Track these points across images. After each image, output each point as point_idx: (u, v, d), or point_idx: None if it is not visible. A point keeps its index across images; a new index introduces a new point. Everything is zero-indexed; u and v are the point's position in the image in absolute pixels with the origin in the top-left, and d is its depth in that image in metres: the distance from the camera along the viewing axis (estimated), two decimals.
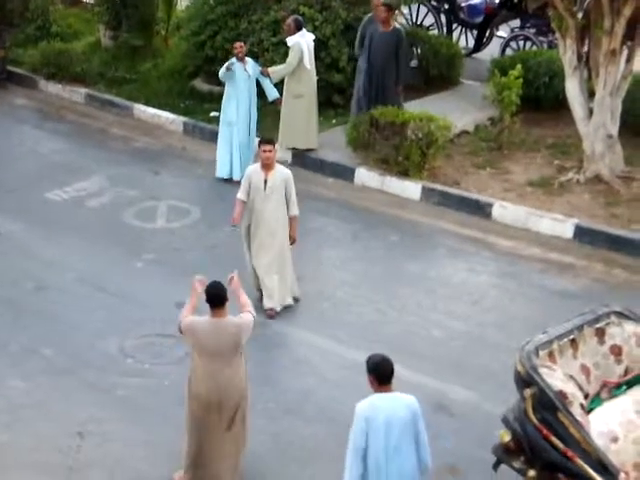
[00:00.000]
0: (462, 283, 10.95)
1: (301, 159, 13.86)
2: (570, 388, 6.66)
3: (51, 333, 9.79)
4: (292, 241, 10.18)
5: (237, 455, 7.70)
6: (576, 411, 6.50)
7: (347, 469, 6.66)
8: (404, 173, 13.14)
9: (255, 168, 10.08)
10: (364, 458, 6.62)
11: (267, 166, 9.92)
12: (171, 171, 13.79)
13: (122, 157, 14.21)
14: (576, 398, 6.61)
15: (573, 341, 7.05)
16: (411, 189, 13.04)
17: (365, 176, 13.39)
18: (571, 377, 6.88)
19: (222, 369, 7.46)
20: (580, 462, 6.15)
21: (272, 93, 13.51)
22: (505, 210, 12.41)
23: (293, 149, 13.84)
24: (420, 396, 8.83)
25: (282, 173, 10.02)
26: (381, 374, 6.71)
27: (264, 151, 9.87)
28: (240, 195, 10.07)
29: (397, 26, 14.18)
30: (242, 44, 13.30)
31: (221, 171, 13.35)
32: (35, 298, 10.45)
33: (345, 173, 13.54)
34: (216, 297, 7.47)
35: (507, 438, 6.78)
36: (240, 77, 13.14)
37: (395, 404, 6.70)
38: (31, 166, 13.78)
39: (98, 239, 11.69)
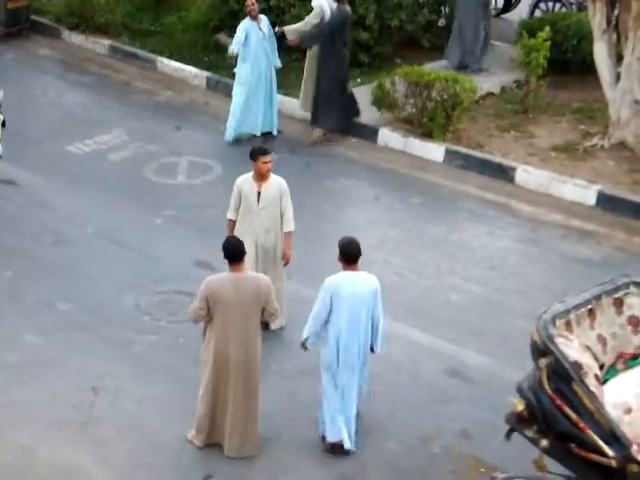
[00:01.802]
0: (482, 248, 10.85)
1: None
2: (586, 359, 6.59)
3: (68, 288, 9.80)
4: (286, 261, 9.05)
5: (253, 415, 7.69)
6: (591, 382, 6.43)
7: (308, 332, 7.66)
8: (428, 135, 13.01)
9: (246, 178, 8.94)
10: (324, 326, 7.61)
11: (262, 177, 8.84)
12: (193, 126, 13.71)
13: (144, 111, 14.14)
14: (591, 369, 6.55)
15: (591, 311, 6.97)
16: (434, 151, 12.91)
17: (388, 137, 13.27)
18: (587, 347, 6.81)
19: (244, 326, 7.45)
20: (591, 434, 6.10)
21: (276, 62, 13.23)
22: (528, 174, 12.28)
23: None
24: (436, 360, 8.93)
25: (277, 183, 8.90)
26: (348, 254, 7.63)
27: (264, 162, 8.78)
28: (230, 215, 8.98)
29: None
30: (254, 1, 12.97)
31: (228, 135, 13.17)
32: (53, 252, 10.45)
33: (368, 133, 13.41)
34: (234, 252, 7.46)
35: (520, 407, 6.71)
36: (254, 37, 12.91)
37: (358, 282, 7.59)
38: (53, 118, 13.75)
39: (118, 194, 11.66)
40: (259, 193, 8.82)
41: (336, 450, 7.76)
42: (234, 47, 12.97)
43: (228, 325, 7.47)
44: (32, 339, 9.04)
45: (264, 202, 8.80)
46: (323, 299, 7.57)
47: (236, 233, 8.61)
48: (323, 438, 7.86)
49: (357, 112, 13.38)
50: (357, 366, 7.70)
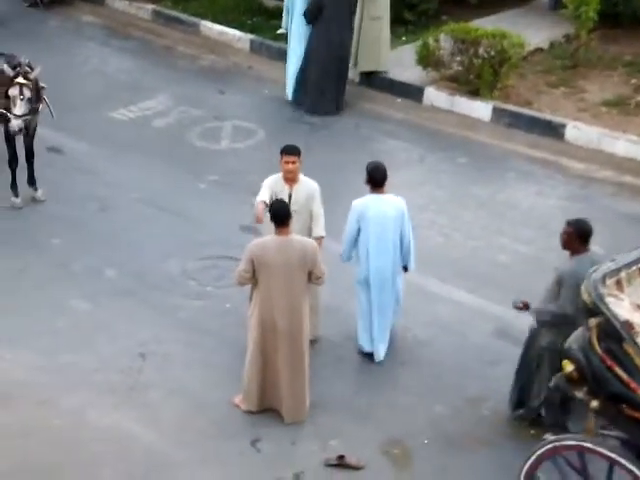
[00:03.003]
0: (531, 207, 10.68)
1: (369, 79, 13.57)
2: (637, 318, 6.43)
3: (114, 254, 9.82)
4: None
5: (300, 382, 7.65)
6: None
7: (343, 250, 8.16)
8: (474, 93, 12.80)
9: (276, 179, 8.24)
10: (355, 243, 8.11)
11: (290, 180, 8.18)
12: (237, 90, 13.63)
13: (188, 76, 14.08)
14: None
15: None
16: (481, 109, 12.70)
17: (434, 96, 13.07)
18: (638, 307, 6.65)
19: (289, 290, 7.40)
20: None
21: None
22: (578, 131, 12.04)
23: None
24: (483, 322, 8.82)
25: (308, 187, 8.22)
26: (375, 178, 8.04)
27: (286, 162, 8.11)
28: (260, 197, 8.14)
29: None
30: None
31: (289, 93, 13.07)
32: (99, 218, 10.47)
33: (414, 93, 13.23)
34: (280, 215, 7.41)
35: (570, 368, 6.59)
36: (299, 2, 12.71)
37: (384, 204, 8.04)
38: (96, 84, 13.74)
39: (162, 159, 11.64)
40: (290, 195, 8.13)
41: (368, 357, 8.34)
42: (283, 27, 12.98)
43: (273, 289, 7.41)
44: (80, 305, 9.09)
45: (296, 205, 8.03)
46: (350, 221, 8.05)
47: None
48: (359, 349, 8.38)
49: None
50: (389, 284, 8.16)
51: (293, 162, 8.11)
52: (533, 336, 7.55)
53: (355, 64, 13.39)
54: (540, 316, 7.40)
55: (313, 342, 8.14)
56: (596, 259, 7.09)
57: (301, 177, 8.22)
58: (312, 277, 7.54)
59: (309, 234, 8.11)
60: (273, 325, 7.47)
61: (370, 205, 8.03)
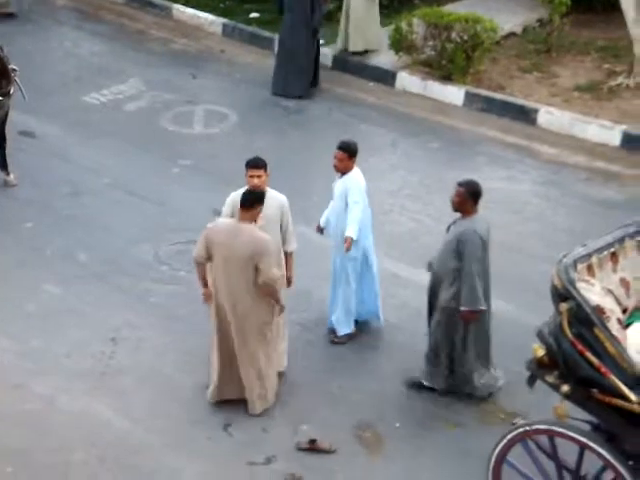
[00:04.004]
0: (503, 192, 10.70)
1: (341, 62, 13.56)
2: (608, 303, 6.47)
3: (86, 238, 9.77)
4: (289, 283, 7.97)
5: (248, 374, 7.49)
6: (613, 326, 6.32)
7: (355, 231, 7.95)
8: (447, 77, 12.82)
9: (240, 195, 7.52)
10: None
11: None
12: (209, 74, 13.58)
13: (160, 60, 14.02)
14: (614, 313, 6.43)
15: (613, 254, 6.83)
16: (454, 94, 12.71)
17: (407, 80, 13.07)
18: (609, 291, 6.68)
19: (234, 280, 7.18)
20: (613, 378, 6.00)
21: None
22: (551, 116, 12.07)
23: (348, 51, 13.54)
24: None
25: (277, 200, 7.69)
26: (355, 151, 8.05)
27: (251, 177, 7.53)
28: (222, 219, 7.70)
29: None
30: None
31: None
32: (71, 203, 10.41)
33: (386, 77, 13.22)
34: (246, 197, 7.18)
35: (541, 352, 6.62)
36: None
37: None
38: (69, 68, 13.65)
39: (135, 144, 11.59)
40: None
41: (350, 339, 8.39)
42: None
43: (218, 275, 7.27)
44: (52, 289, 9.04)
45: (263, 220, 7.42)
46: (362, 198, 8.07)
47: None
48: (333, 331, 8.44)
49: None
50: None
51: (259, 176, 7.53)
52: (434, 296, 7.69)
53: (345, 45, 13.38)
54: (441, 270, 7.54)
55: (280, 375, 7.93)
56: (486, 219, 7.51)
57: (269, 191, 7.64)
58: (260, 275, 7.13)
59: (279, 248, 7.71)
60: (224, 311, 7.33)
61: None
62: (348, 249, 7.96)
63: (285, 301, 7.63)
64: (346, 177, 8.08)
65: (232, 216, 7.58)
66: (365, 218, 8.17)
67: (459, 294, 7.48)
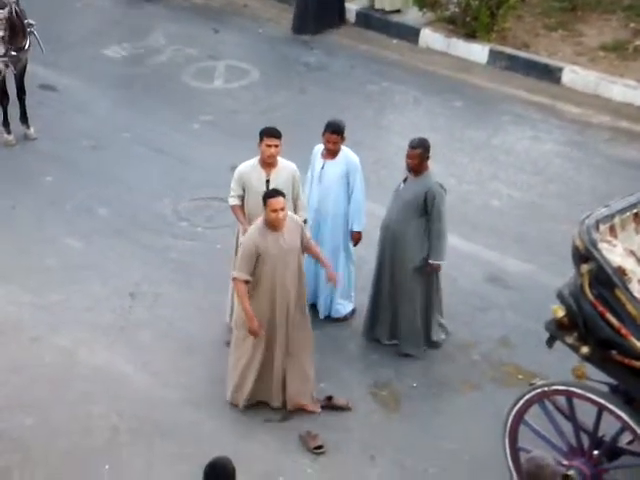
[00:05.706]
0: (526, 152, 10.61)
1: (365, 18, 13.40)
2: (630, 264, 6.42)
3: (107, 193, 9.77)
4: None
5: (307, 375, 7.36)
6: (634, 287, 6.27)
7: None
8: (471, 35, 12.65)
9: (250, 166, 7.61)
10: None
11: (270, 165, 7.54)
12: (231, 29, 13.45)
13: (182, 14, 13.87)
14: (635, 274, 6.38)
15: (636, 215, 6.76)
16: (478, 52, 12.55)
17: (430, 37, 12.91)
18: (632, 252, 6.62)
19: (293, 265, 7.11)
20: (633, 340, 5.97)
21: None
22: (576, 75, 11.92)
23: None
24: (475, 267, 8.81)
25: (288, 169, 7.57)
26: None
27: (268, 146, 7.43)
28: (234, 201, 7.67)
29: None
30: None
31: None
32: (91, 157, 10.40)
33: (409, 34, 13.06)
34: (270, 195, 7.02)
35: (561, 313, 6.58)
36: None
37: None
38: (89, 22, 13.54)
39: (155, 99, 11.53)
40: (268, 181, 7.51)
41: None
42: None
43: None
44: (72, 244, 9.07)
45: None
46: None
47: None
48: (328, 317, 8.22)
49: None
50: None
51: (276, 145, 7.43)
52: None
53: (371, 2, 13.27)
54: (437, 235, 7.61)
55: None
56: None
57: (280, 161, 7.57)
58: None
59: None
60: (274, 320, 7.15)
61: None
62: (357, 243, 8.13)
63: None
64: (343, 158, 7.88)
65: (243, 192, 7.56)
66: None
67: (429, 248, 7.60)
